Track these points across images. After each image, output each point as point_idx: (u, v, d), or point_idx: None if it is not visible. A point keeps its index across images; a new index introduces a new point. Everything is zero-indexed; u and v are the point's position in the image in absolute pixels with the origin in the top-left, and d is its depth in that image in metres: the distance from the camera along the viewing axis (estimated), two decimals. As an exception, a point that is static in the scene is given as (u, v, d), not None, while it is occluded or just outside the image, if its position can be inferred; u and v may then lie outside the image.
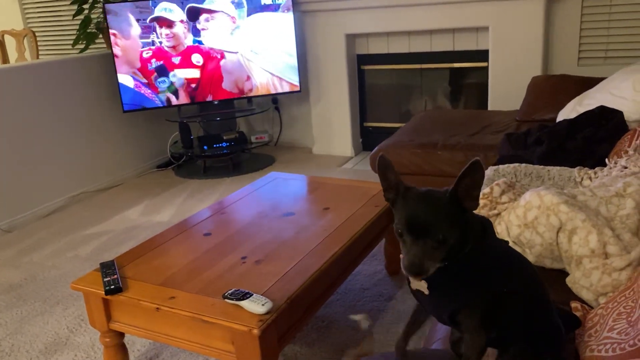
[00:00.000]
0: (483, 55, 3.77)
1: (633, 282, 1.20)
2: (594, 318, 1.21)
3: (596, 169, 1.97)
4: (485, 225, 1.01)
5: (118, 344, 1.78)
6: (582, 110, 2.59)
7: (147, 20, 3.60)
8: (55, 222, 3.41)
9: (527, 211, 1.57)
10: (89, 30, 4.25)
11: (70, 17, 4.95)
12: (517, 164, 2.14)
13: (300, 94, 4.41)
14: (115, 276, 1.68)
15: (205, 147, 4.11)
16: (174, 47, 3.69)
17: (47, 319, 2.32)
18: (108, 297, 1.62)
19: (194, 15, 3.70)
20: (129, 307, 1.65)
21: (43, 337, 2.19)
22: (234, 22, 3.77)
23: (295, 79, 4.06)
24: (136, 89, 3.78)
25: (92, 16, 4.24)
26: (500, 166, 2.15)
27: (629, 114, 2.38)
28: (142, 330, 1.65)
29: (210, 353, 1.53)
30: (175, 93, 3.87)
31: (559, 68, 3.60)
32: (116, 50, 3.62)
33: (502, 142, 2.60)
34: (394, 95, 4.31)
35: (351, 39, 4.15)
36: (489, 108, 3.76)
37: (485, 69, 3.78)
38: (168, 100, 3.88)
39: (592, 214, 1.50)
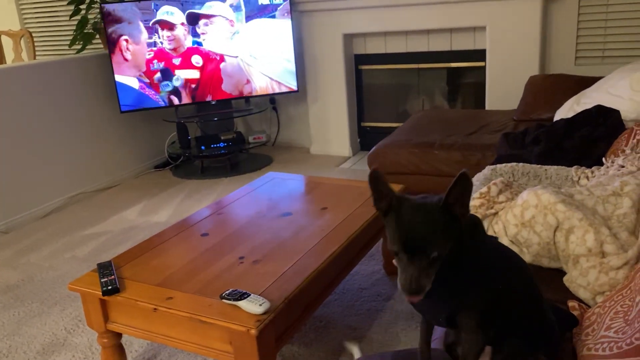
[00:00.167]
0: (480, 54, 3.77)
1: (630, 280, 1.21)
2: (591, 317, 1.21)
3: (593, 168, 1.97)
4: (476, 223, 1.01)
5: (116, 345, 1.78)
6: (579, 109, 2.59)
7: (150, 23, 3.70)
8: (52, 222, 3.41)
9: (524, 210, 1.58)
10: (85, 31, 4.25)
11: (67, 18, 4.95)
12: (514, 163, 2.15)
13: (298, 94, 4.41)
14: (113, 277, 1.68)
15: (202, 148, 4.10)
16: (174, 49, 3.78)
17: (45, 320, 2.31)
18: (105, 297, 1.62)
19: (193, 20, 3.79)
20: (127, 308, 1.65)
21: (40, 338, 2.18)
22: (232, 26, 3.84)
23: (294, 84, 4.08)
24: (140, 90, 3.83)
25: (89, 17, 4.24)
26: (498, 165, 2.16)
27: (626, 113, 2.39)
28: (140, 331, 1.64)
29: (208, 353, 1.53)
30: (176, 93, 3.91)
31: (556, 67, 3.60)
32: (127, 55, 3.70)
33: (499, 141, 2.60)
34: (392, 95, 4.31)
35: (348, 38, 4.15)
36: (487, 108, 3.76)
37: (483, 68, 3.78)
38: (169, 100, 3.91)
39: (589, 213, 1.50)
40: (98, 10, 3.97)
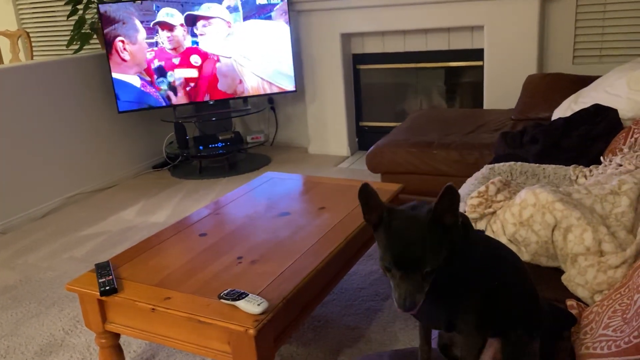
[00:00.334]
0: (478, 54, 3.78)
1: (628, 279, 1.21)
2: (590, 316, 1.21)
3: (591, 167, 1.97)
4: (465, 224, 1.01)
5: (114, 345, 1.77)
6: (577, 108, 2.59)
7: (151, 24, 3.80)
8: (50, 223, 3.40)
9: (522, 209, 1.58)
10: (83, 31, 4.24)
11: (65, 18, 4.94)
12: (512, 163, 2.15)
13: (296, 94, 4.41)
14: (111, 277, 1.68)
15: (201, 148, 4.10)
16: (174, 49, 3.87)
17: (43, 321, 2.31)
18: (103, 298, 1.62)
19: (191, 21, 3.87)
20: (125, 308, 1.64)
21: (38, 339, 2.18)
22: (229, 27, 3.91)
23: (285, 84, 4.10)
24: (142, 88, 3.89)
25: (87, 17, 4.23)
26: (496, 164, 2.16)
27: (624, 112, 2.39)
28: (138, 331, 1.64)
29: (206, 353, 1.53)
30: (175, 90, 3.96)
31: (554, 66, 3.61)
32: (124, 56, 3.78)
33: (497, 140, 2.60)
34: (390, 95, 4.31)
35: (346, 38, 4.15)
36: (485, 107, 3.76)
37: (481, 67, 3.79)
38: (168, 97, 3.96)
39: (587, 212, 1.50)
40: (95, 10, 3.97)
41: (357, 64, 4.27)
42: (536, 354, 1.08)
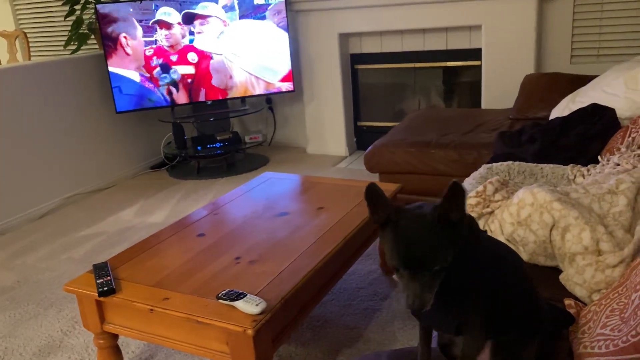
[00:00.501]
0: (476, 53, 3.78)
1: (626, 278, 1.21)
2: (588, 315, 1.21)
3: (589, 166, 1.97)
4: (470, 222, 1.01)
5: (112, 346, 1.77)
6: (574, 107, 2.59)
7: (150, 23, 3.86)
8: (48, 223, 3.40)
9: (520, 209, 1.58)
10: (80, 31, 4.24)
11: (62, 18, 4.93)
12: (510, 162, 2.15)
13: (294, 94, 4.41)
14: (109, 277, 1.67)
15: (199, 148, 4.10)
16: (172, 47, 3.94)
17: (41, 322, 2.30)
18: (101, 298, 1.62)
19: (189, 19, 3.93)
20: (123, 309, 1.64)
21: (37, 340, 2.18)
22: (225, 26, 3.98)
23: (270, 78, 4.14)
24: (142, 84, 3.94)
25: (84, 17, 4.23)
26: (494, 164, 2.16)
27: (621, 111, 2.39)
28: (136, 332, 1.64)
29: (204, 354, 1.53)
30: (174, 85, 4.00)
31: (551, 66, 3.61)
32: (128, 50, 3.87)
33: (495, 140, 2.60)
34: (388, 95, 4.31)
35: (344, 38, 4.15)
36: (483, 106, 3.77)
37: (479, 67, 3.79)
38: (169, 92, 4.01)
39: (585, 211, 1.50)
40: (93, 10, 3.97)
41: (355, 64, 4.27)
42: (531, 357, 1.07)
